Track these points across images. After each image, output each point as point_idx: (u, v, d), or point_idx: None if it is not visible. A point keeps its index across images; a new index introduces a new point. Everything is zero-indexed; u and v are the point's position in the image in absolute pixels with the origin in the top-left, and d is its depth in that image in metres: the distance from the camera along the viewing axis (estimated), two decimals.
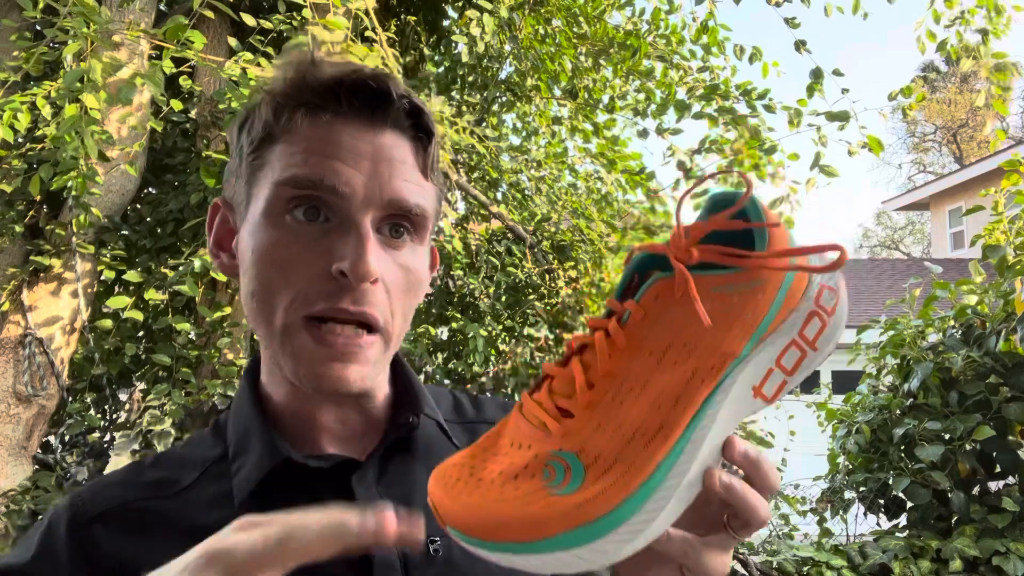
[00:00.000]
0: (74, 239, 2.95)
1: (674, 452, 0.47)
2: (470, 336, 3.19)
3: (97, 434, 3.11)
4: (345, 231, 0.60)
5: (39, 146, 2.78)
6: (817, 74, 3.58)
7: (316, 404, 0.66)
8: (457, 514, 0.46)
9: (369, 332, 0.61)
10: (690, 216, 0.59)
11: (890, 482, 2.99)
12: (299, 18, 2.64)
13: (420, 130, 0.66)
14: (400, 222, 0.63)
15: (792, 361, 0.50)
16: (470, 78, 4.03)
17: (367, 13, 2.62)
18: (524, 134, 4.46)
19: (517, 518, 0.44)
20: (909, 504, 3.06)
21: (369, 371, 0.62)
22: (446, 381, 3.49)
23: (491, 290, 3.45)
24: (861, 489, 3.21)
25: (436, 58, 4.20)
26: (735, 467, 0.53)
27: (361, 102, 0.62)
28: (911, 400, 3.12)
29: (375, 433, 0.69)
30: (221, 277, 2.87)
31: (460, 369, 3.42)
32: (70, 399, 3.06)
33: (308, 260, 0.60)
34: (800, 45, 3.60)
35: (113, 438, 3.19)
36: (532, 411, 0.49)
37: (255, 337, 3.52)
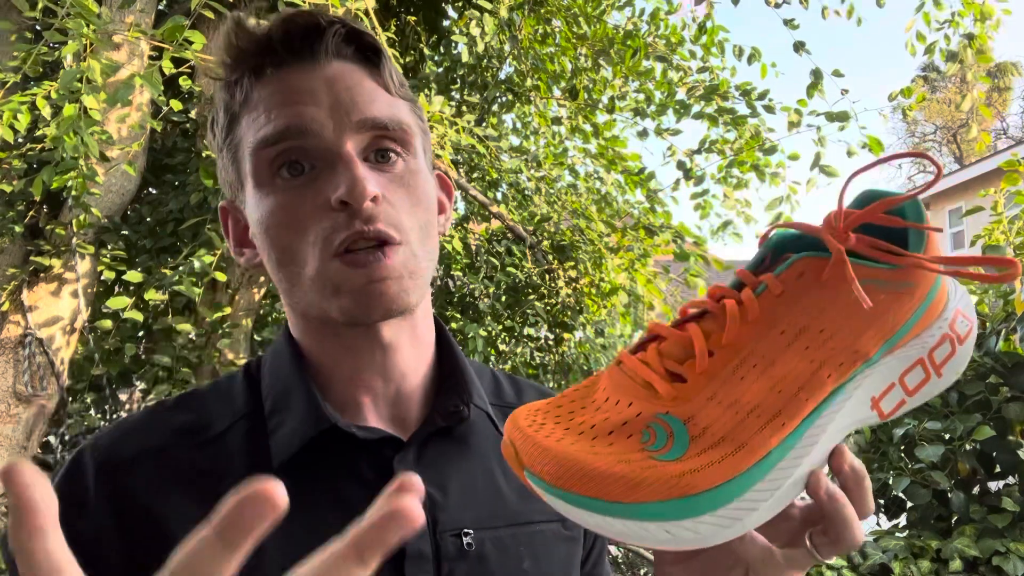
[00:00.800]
0: (74, 239, 2.95)
1: (787, 443, 0.43)
2: (470, 336, 3.19)
3: None
4: (330, 165, 0.60)
5: (39, 146, 2.78)
6: (817, 75, 3.58)
7: (359, 360, 0.64)
8: (540, 458, 0.42)
9: (388, 246, 0.60)
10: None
11: (890, 482, 2.99)
12: None
13: (366, 51, 0.64)
14: (383, 145, 0.62)
15: (915, 381, 0.47)
16: (470, 78, 4.03)
17: (367, 13, 2.62)
18: (524, 134, 4.46)
19: (611, 474, 0.41)
20: (909, 504, 3.06)
21: (406, 283, 0.60)
22: None
23: (491, 290, 3.45)
24: None
25: (436, 58, 4.19)
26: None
27: (297, 44, 0.62)
28: None
29: (416, 407, 0.67)
30: (221, 277, 2.87)
31: None
32: (70, 399, 3.06)
33: (309, 208, 0.59)
34: (799, 46, 3.60)
35: None
36: (636, 369, 0.46)
37: (255, 337, 3.52)
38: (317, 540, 0.59)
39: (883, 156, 0.48)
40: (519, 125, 4.53)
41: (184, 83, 2.78)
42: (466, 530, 0.61)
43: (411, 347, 0.66)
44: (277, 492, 0.28)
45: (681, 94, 3.99)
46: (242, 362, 3.06)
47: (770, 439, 0.43)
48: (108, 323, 2.98)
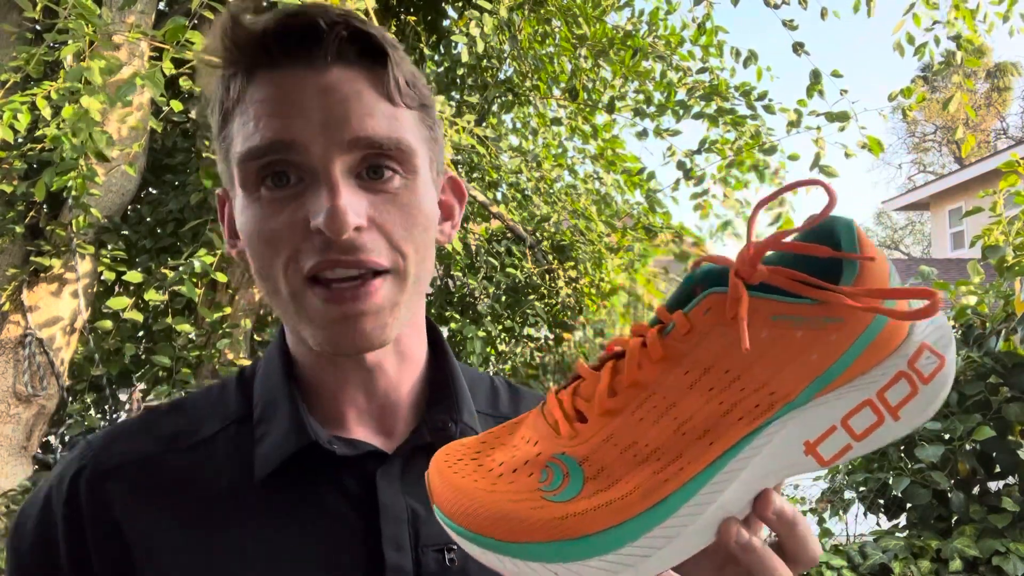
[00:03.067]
0: (74, 239, 2.95)
1: (689, 488, 0.42)
2: (468, 337, 3.19)
3: None
4: (316, 186, 0.56)
5: (39, 146, 2.78)
6: (816, 75, 3.59)
7: (343, 376, 0.63)
8: (445, 496, 0.43)
9: (375, 276, 0.57)
10: (767, 231, 0.53)
11: (890, 482, 2.99)
12: None
13: (371, 54, 0.58)
14: (377, 162, 0.57)
15: (864, 425, 0.43)
16: (470, 78, 4.03)
17: (367, 13, 2.63)
18: (524, 134, 4.47)
19: (499, 513, 0.41)
20: (909, 504, 3.06)
21: (387, 318, 0.58)
22: None
23: (491, 290, 3.45)
24: (861, 489, 3.21)
25: (436, 58, 4.20)
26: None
27: (293, 46, 0.57)
28: None
29: (404, 419, 0.66)
30: (221, 277, 2.87)
31: None
32: (70, 399, 3.06)
33: (289, 224, 0.56)
34: (798, 47, 3.60)
35: None
36: (551, 409, 0.45)
37: (255, 337, 3.52)
38: (303, 550, 0.59)
39: (784, 186, 0.45)
40: (519, 125, 4.54)
41: (184, 83, 2.78)
42: (449, 546, 0.60)
43: (397, 364, 0.65)
44: None
45: (681, 94, 4.00)
46: (242, 362, 3.06)
47: (667, 484, 0.41)
48: (108, 323, 2.98)
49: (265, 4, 3.25)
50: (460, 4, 3.89)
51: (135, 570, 0.56)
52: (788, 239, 0.43)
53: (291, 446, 0.59)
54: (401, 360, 0.65)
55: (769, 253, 0.45)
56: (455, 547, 0.60)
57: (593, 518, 0.41)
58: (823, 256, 0.42)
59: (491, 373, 0.81)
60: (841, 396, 0.43)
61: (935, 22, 3.68)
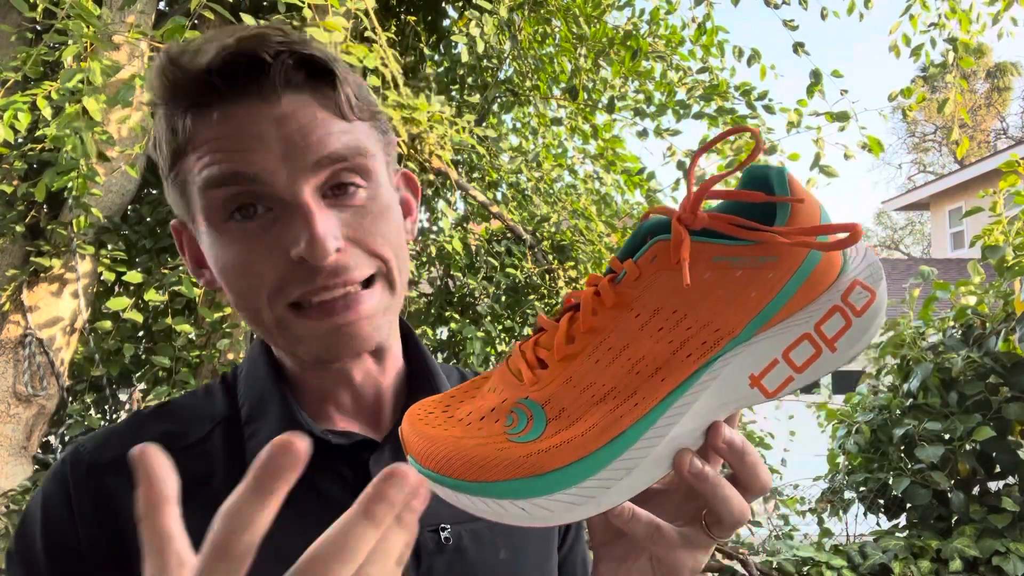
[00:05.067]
0: (74, 240, 2.95)
1: (644, 422, 0.44)
2: (468, 338, 3.19)
3: None
4: (288, 215, 0.57)
5: (39, 146, 2.78)
6: (816, 75, 3.58)
7: (331, 379, 0.65)
8: (417, 444, 0.45)
9: (365, 286, 0.59)
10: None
11: (890, 482, 2.99)
12: (299, 19, 2.64)
13: (318, 75, 0.59)
14: (341, 179, 0.58)
15: (803, 357, 0.46)
16: (470, 78, 4.04)
17: (367, 13, 2.63)
18: (524, 134, 4.47)
19: (468, 456, 0.43)
20: (909, 504, 3.06)
21: (379, 320, 0.59)
22: None
23: (491, 290, 3.45)
24: (861, 489, 3.21)
25: (436, 58, 4.20)
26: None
27: (242, 80, 0.57)
28: (911, 400, 3.12)
29: (389, 410, 0.69)
30: None
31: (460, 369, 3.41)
32: (70, 399, 3.06)
33: (265, 257, 0.57)
34: (798, 47, 3.60)
35: None
36: (515, 359, 0.48)
37: (255, 337, 3.54)
38: (302, 535, 0.60)
39: (716, 136, 0.48)
40: (519, 125, 4.54)
41: None
42: (443, 525, 0.62)
43: (379, 361, 0.67)
44: (301, 443, 0.33)
45: (681, 94, 4.00)
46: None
47: (623, 420, 0.44)
48: (108, 323, 2.98)
49: (263, 10, 3.25)
50: (460, 4, 3.89)
51: (130, 560, 0.56)
52: (720, 186, 0.46)
53: None
54: (383, 357, 0.68)
55: (714, 204, 0.48)
56: (448, 526, 0.62)
57: (555, 455, 0.43)
58: (758, 201, 0.45)
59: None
60: (782, 331, 0.45)
61: (931, 24, 3.69)
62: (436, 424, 0.46)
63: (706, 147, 0.49)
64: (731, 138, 3.89)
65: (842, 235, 0.43)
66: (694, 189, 0.45)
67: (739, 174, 0.47)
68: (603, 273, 0.48)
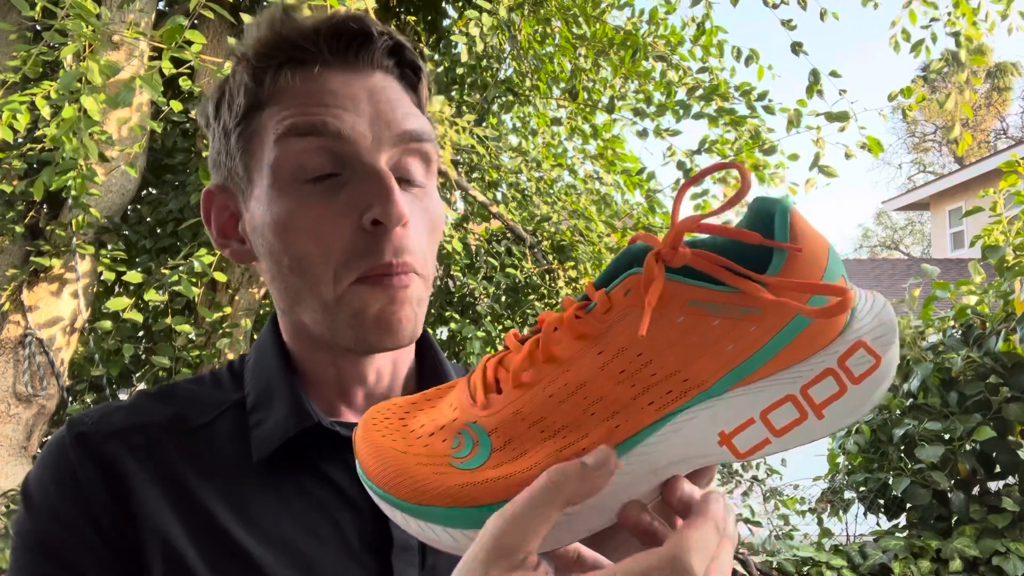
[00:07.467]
0: (74, 239, 2.95)
1: None
2: (468, 338, 3.19)
3: None
4: (364, 178, 0.57)
5: (39, 146, 2.78)
6: (815, 75, 3.58)
7: (342, 369, 0.64)
8: (363, 451, 0.44)
9: (406, 274, 0.59)
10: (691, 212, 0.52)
11: (890, 482, 2.99)
12: None
13: (406, 66, 0.64)
14: (409, 165, 0.60)
15: (784, 420, 0.40)
16: (470, 78, 4.04)
17: (367, 13, 2.62)
18: (524, 134, 4.47)
19: (406, 474, 0.42)
20: (909, 504, 3.06)
21: (419, 310, 0.60)
22: None
23: (491, 290, 3.45)
24: (861, 489, 3.21)
25: (436, 58, 4.20)
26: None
27: (344, 47, 0.60)
28: (911, 400, 3.12)
29: None
30: (221, 277, 2.87)
31: None
32: (70, 399, 3.07)
33: (335, 221, 0.57)
34: (797, 47, 3.60)
35: None
36: (476, 375, 0.45)
37: (255, 336, 3.51)
38: (311, 527, 0.59)
39: (702, 170, 0.44)
40: (519, 125, 4.54)
41: (184, 83, 2.78)
42: None
43: (395, 357, 0.67)
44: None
45: (681, 94, 4.00)
46: None
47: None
48: (108, 323, 2.98)
49: (266, 4, 3.24)
50: (460, 4, 3.89)
51: (136, 524, 0.56)
52: (710, 220, 0.40)
53: (293, 427, 0.59)
54: (400, 355, 0.68)
55: (703, 237, 0.43)
56: None
57: (491, 488, 0.41)
58: (752, 243, 0.40)
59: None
60: (762, 388, 0.40)
61: (932, 19, 3.68)
62: (387, 432, 0.45)
63: (692, 180, 0.44)
64: (730, 137, 3.89)
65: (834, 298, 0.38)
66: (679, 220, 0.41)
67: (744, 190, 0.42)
68: (578, 298, 0.44)
